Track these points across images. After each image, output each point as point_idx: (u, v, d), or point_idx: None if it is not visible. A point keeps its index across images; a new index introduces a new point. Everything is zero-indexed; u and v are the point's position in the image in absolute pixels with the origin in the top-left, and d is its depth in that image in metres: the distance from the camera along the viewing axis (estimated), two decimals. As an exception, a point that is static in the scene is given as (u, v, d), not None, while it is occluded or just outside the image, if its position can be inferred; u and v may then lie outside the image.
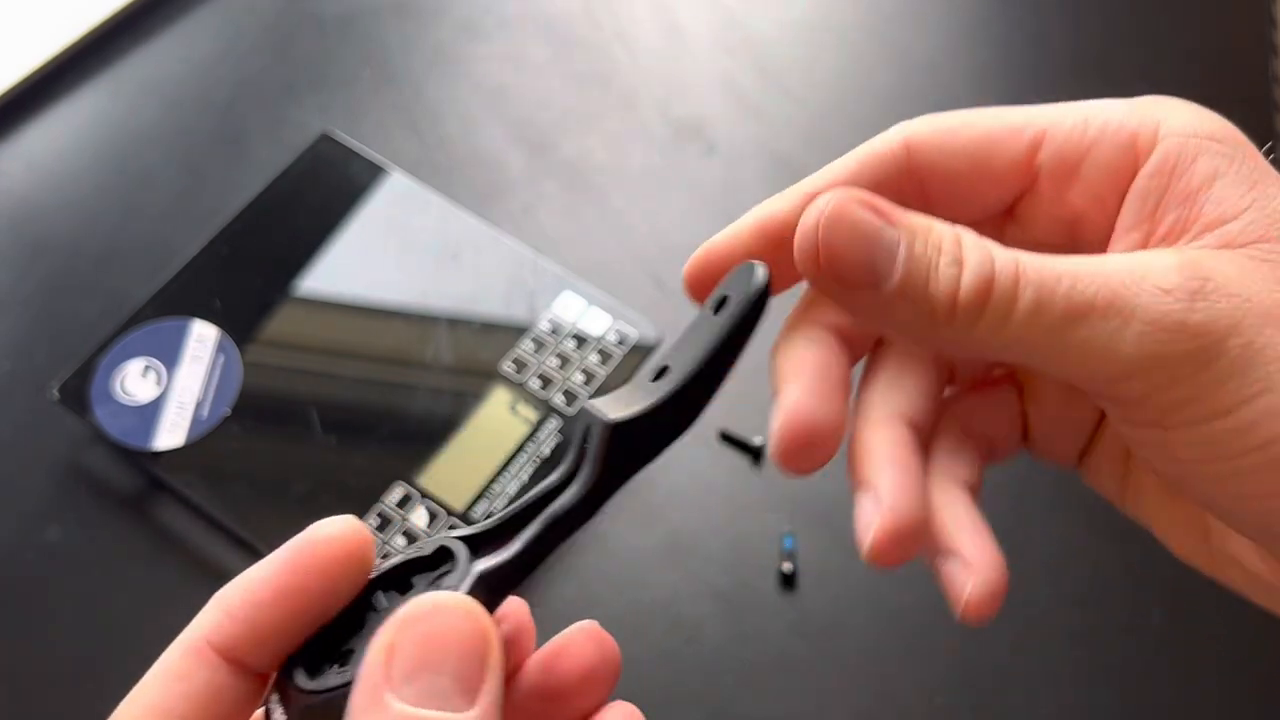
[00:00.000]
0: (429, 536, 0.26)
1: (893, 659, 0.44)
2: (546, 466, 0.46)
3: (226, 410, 0.46)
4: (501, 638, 0.22)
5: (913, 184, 0.25)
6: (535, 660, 0.26)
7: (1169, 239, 0.23)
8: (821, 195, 0.23)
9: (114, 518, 0.46)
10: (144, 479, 0.47)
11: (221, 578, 0.48)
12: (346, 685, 0.22)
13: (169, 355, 0.47)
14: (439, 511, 0.45)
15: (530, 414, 0.47)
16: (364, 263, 0.50)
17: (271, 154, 0.55)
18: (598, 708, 0.26)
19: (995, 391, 0.27)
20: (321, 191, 0.52)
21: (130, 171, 0.56)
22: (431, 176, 0.55)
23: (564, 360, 0.48)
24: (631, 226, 0.55)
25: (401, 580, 0.25)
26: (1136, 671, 0.44)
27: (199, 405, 0.46)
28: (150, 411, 0.46)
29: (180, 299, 0.49)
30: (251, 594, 0.23)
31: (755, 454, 0.49)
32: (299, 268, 0.50)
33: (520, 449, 0.46)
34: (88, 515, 0.47)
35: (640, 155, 0.57)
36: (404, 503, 0.45)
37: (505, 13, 0.62)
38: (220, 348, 0.48)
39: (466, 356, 0.48)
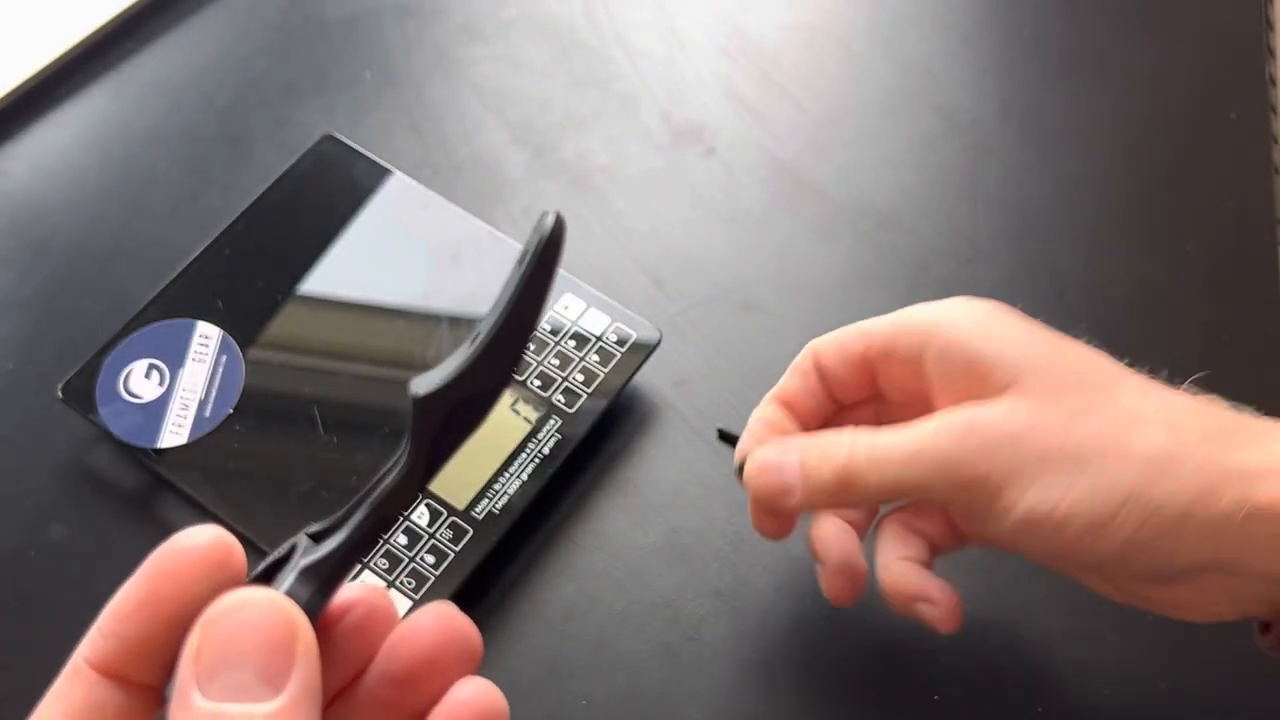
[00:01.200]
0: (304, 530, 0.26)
1: (892, 658, 0.45)
2: (547, 465, 0.46)
3: (229, 410, 0.47)
4: (318, 627, 0.23)
5: (818, 377, 0.40)
6: (385, 645, 0.27)
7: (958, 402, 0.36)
8: (749, 456, 0.39)
9: (117, 516, 0.47)
10: (147, 478, 0.47)
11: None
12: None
13: (172, 355, 0.48)
14: (440, 511, 0.45)
15: (531, 413, 0.47)
16: (366, 263, 0.51)
17: (274, 155, 0.56)
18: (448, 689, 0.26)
19: (922, 506, 0.39)
20: (324, 192, 0.52)
21: (134, 172, 0.56)
22: (433, 178, 0.55)
23: (564, 360, 0.48)
24: (631, 228, 0.55)
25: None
26: (1132, 672, 0.44)
27: (202, 405, 0.47)
28: (154, 411, 0.46)
29: (183, 299, 0.49)
30: (115, 608, 0.23)
31: (755, 454, 0.49)
32: (301, 268, 0.50)
33: (521, 448, 0.46)
34: (91, 514, 0.47)
35: (640, 157, 0.57)
36: (405, 502, 0.45)
37: (506, 15, 0.62)
38: (223, 347, 0.48)
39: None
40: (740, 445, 0.40)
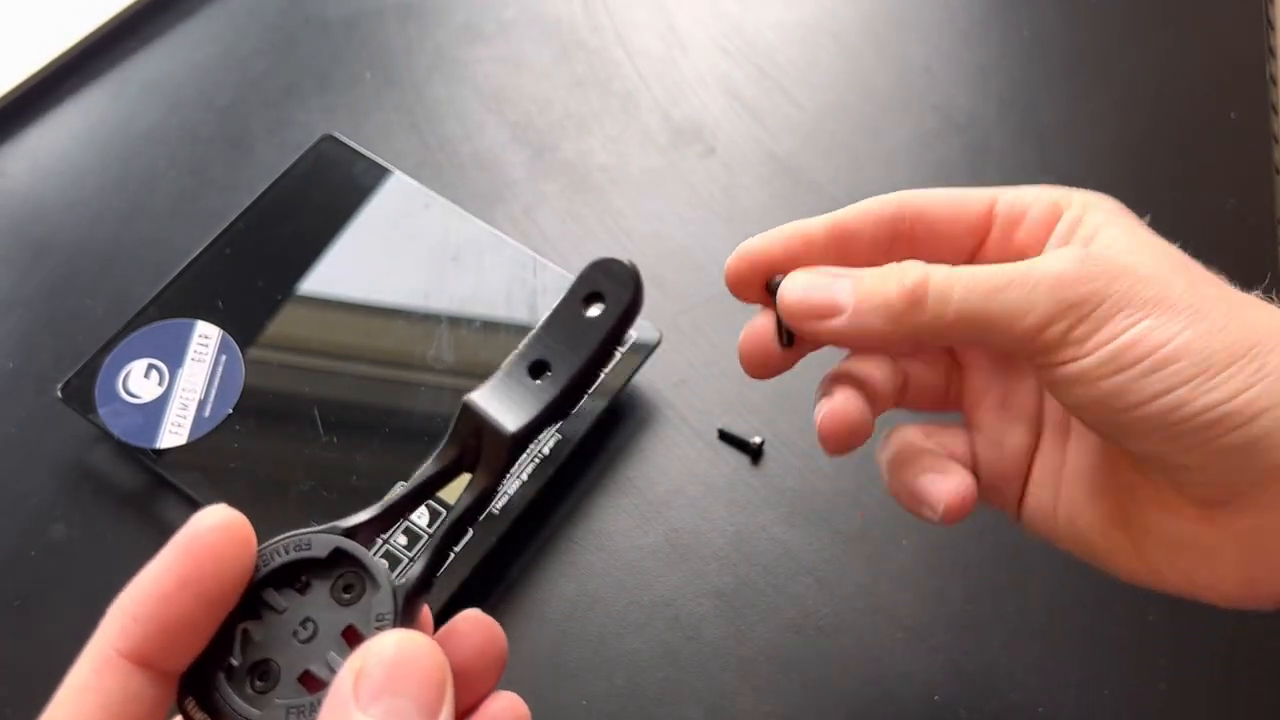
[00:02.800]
0: (313, 530, 0.26)
1: (891, 657, 0.45)
2: (547, 465, 0.46)
3: (229, 410, 0.47)
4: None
5: (903, 227, 0.33)
6: None
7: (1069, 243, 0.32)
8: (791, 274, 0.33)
9: (117, 516, 0.47)
10: (147, 477, 0.47)
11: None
12: (304, 704, 0.23)
13: (172, 355, 0.48)
14: (440, 511, 0.45)
15: (531, 413, 0.47)
16: (366, 263, 0.51)
17: (274, 155, 0.56)
18: (485, 695, 0.28)
19: (950, 430, 0.36)
20: (324, 192, 0.52)
21: (134, 172, 0.56)
22: (433, 178, 0.55)
23: (564, 360, 0.48)
24: (631, 228, 0.55)
25: (291, 578, 0.25)
26: (1134, 672, 0.44)
27: (202, 404, 0.47)
28: (153, 410, 0.46)
29: (183, 299, 0.49)
30: (153, 590, 0.23)
31: (754, 453, 0.49)
32: (301, 268, 0.50)
33: (521, 448, 0.46)
34: (91, 514, 0.47)
35: (640, 157, 0.57)
36: (405, 502, 0.45)
37: (506, 15, 0.62)
38: (223, 347, 0.48)
39: (468, 356, 0.48)
40: (759, 244, 0.34)
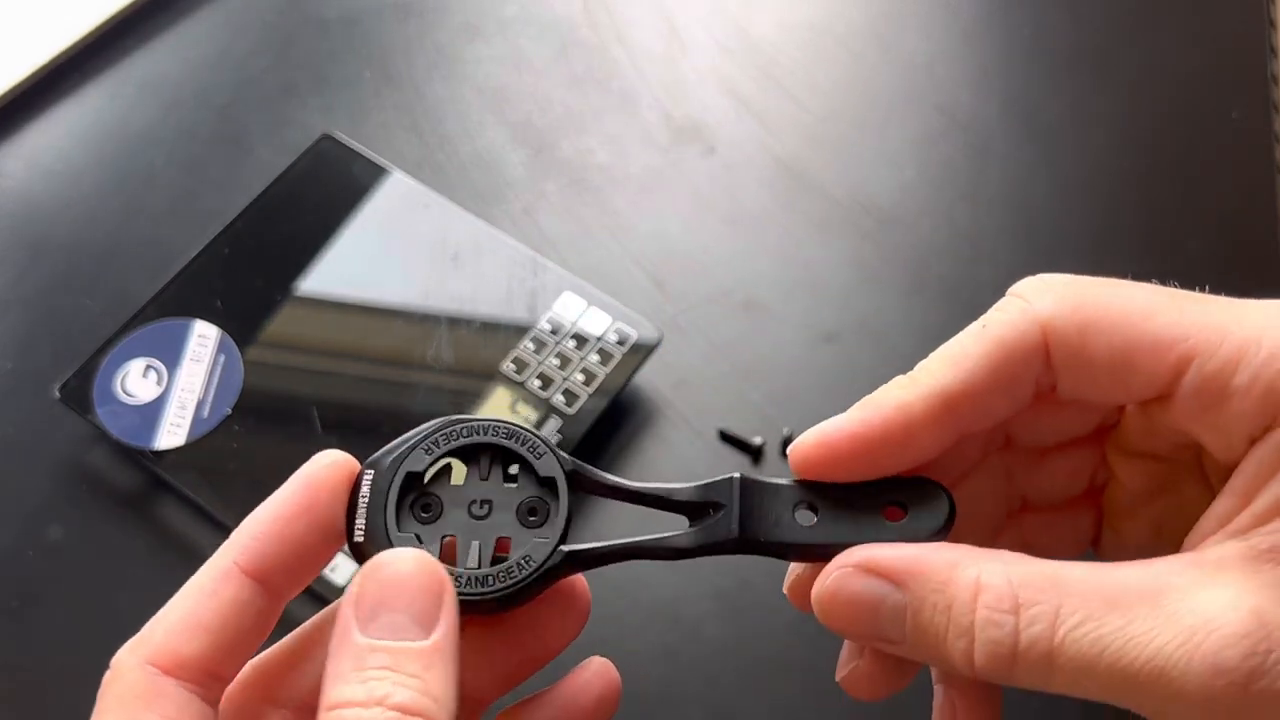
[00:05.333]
0: (557, 451, 0.27)
1: (892, 658, 0.44)
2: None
3: (228, 410, 0.47)
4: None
5: (1045, 368, 0.24)
6: (550, 697, 0.29)
7: (1263, 519, 0.22)
8: (830, 567, 0.24)
9: (115, 517, 0.47)
10: (145, 478, 0.47)
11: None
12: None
13: (170, 355, 0.48)
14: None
15: (531, 414, 0.47)
16: (365, 263, 0.50)
17: (273, 154, 0.56)
18: None
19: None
20: (323, 192, 0.52)
21: (132, 172, 0.56)
22: (432, 177, 0.55)
23: (564, 360, 0.48)
24: (631, 227, 0.55)
25: (508, 460, 0.27)
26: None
27: (200, 405, 0.47)
28: (152, 411, 0.46)
29: (181, 299, 0.49)
30: (276, 513, 0.25)
31: (754, 453, 0.49)
32: (300, 268, 0.50)
33: (520, 448, 0.46)
34: (89, 514, 0.47)
35: (640, 156, 0.57)
36: (404, 502, 0.45)
37: (505, 14, 0.62)
38: (221, 347, 0.48)
39: (467, 356, 0.48)
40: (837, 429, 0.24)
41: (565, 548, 0.26)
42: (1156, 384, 0.23)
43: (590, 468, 0.28)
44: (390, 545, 0.25)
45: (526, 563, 0.25)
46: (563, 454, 0.27)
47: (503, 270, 0.50)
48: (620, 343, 0.49)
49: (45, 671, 0.44)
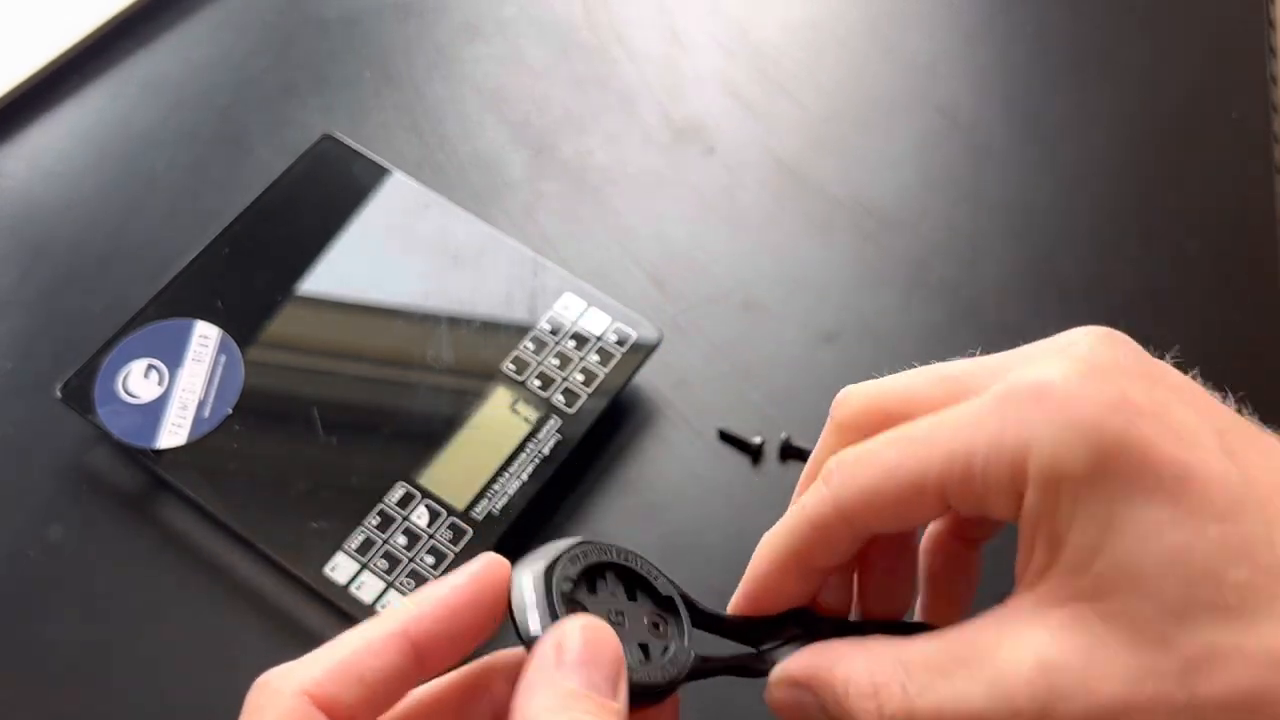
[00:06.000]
0: (656, 580, 0.31)
1: (892, 658, 0.44)
2: (546, 465, 0.46)
3: (228, 410, 0.47)
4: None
5: (849, 531, 0.29)
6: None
7: (1046, 573, 0.26)
8: (769, 683, 0.30)
9: (116, 516, 0.47)
10: (146, 478, 0.47)
11: (222, 576, 0.48)
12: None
13: (171, 355, 0.48)
14: (440, 511, 0.45)
15: (531, 414, 0.47)
16: (365, 263, 0.51)
17: (273, 155, 0.56)
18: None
19: None
20: (323, 192, 0.52)
21: (132, 172, 0.56)
22: (433, 177, 0.55)
23: (564, 360, 0.48)
24: (631, 227, 0.55)
25: (632, 583, 0.30)
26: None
27: (201, 405, 0.47)
28: (153, 411, 0.46)
29: (182, 299, 0.49)
30: (448, 596, 0.27)
31: (754, 453, 0.49)
32: (301, 268, 0.50)
33: (521, 448, 0.46)
34: (90, 514, 0.47)
35: (640, 156, 0.57)
36: (405, 502, 0.45)
37: (505, 14, 0.62)
38: (222, 348, 0.48)
39: (467, 356, 0.48)
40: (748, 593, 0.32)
41: (696, 653, 0.30)
42: (936, 512, 0.28)
43: (690, 596, 0.31)
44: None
45: (670, 664, 0.29)
46: (669, 579, 0.31)
47: (503, 270, 0.50)
48: (620, 343, 0.49)
49: (46, 671, 0.44)
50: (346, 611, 0.43)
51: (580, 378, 0.48)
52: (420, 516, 0.45)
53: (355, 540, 0.44)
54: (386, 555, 0.44)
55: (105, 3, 0.60)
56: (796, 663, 0.29)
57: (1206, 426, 0.25)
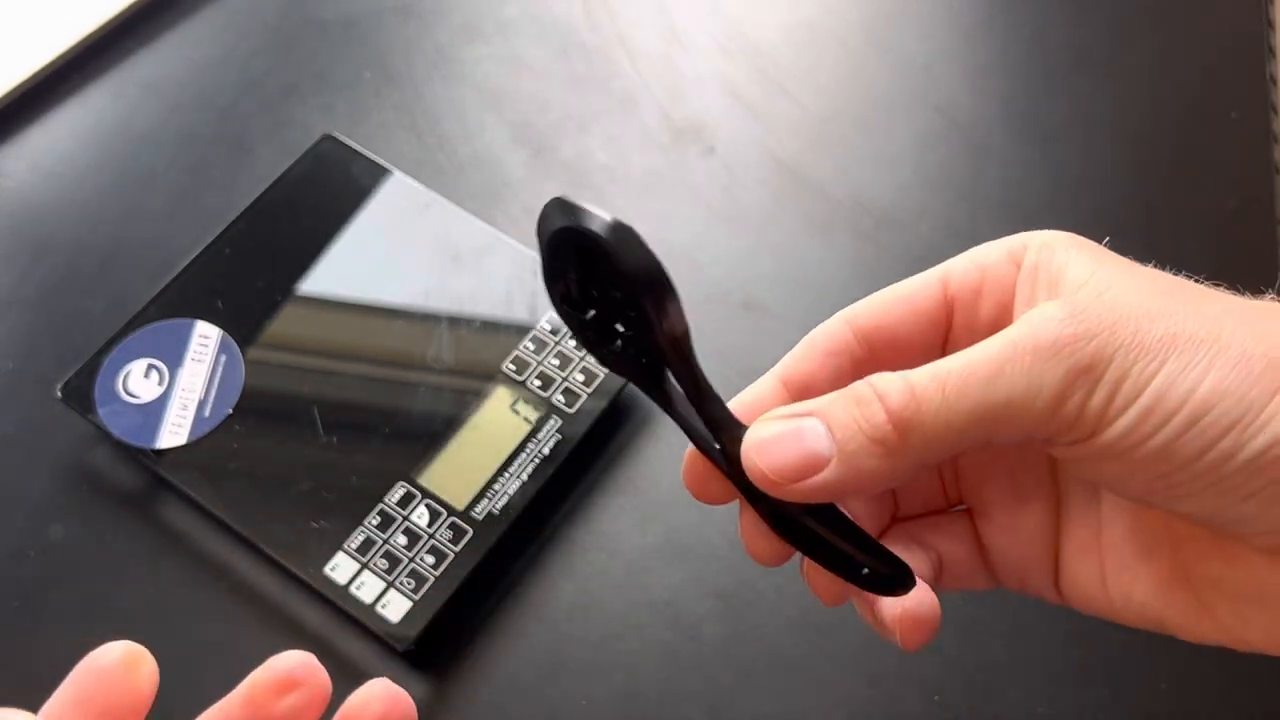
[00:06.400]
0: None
1: (891, 658, 0.44)
2: (547, 465, 0.46)
3: (229, 410, 0.47)
4: None
5: (862, 350, 0.30)
6: None
7: (1051, 295, 0.28)
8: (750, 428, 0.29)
9: (117, 516, 0.47)
10: (147, 478, 0.47)
11: (223, 575, 0.48)
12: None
13: (172, 355, 0.48)
14: (440, 511, 0.45)
15: (531, 413, 0.47)
16: (366, 263, 0.51)
17: (273, 155, 0.56)
18: None
19: (945, 516, 0.32)
20: (323, 192, 0.52)
21: (133, 172, 0.56)
22: (433, 177, 0.55)
23: (564, 360, 0.48)
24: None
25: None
26: (1134, 672, 0.44)
27: (201, 405, 0.47)
28: (153, 411, 0.46)
29: (183, 299, 0.49)
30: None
31: (755, 454, 0.49)
32: (301, 268, 0.50)
33: (521, 448, 0.46)
34: (90, 513, 0.47)
35: (640, 157, 0.57)
36: (405, 502, 0.45)
37: (505, 15, 0.62)
38: (222, 348, 0.48)
39: (467, 356, 0.48)
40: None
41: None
42: (939, 309, 0.31)
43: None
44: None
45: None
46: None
47: (503, 270, 0.50)
48: (620, 343, 0.49)
49: (47, 671, 0.44)
50: (347, 611, 0.43)
51: (580, 378, 0.48)
52: (420, 516, 0.45)
53: (355, 540, 0.44)
54: (387, 555, 0.44)
55: (106, 3, 0.60)
56: (792, 406, 0.29)
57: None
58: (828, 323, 0.31)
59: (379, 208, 0.52)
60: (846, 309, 0.31)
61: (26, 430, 0.49)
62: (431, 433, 0.47)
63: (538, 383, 0.48)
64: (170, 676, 0.44)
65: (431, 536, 0.44)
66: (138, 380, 0.47)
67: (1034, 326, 0.26)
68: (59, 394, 0.47)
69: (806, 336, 0.31)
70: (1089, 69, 0.61)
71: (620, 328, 0.30)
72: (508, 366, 0.48)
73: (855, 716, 0.44)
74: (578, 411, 0.47)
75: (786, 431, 0.27)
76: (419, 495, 0.45)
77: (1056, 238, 0.29)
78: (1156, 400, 0.25)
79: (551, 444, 0.47)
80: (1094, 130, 0.58)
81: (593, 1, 0.63)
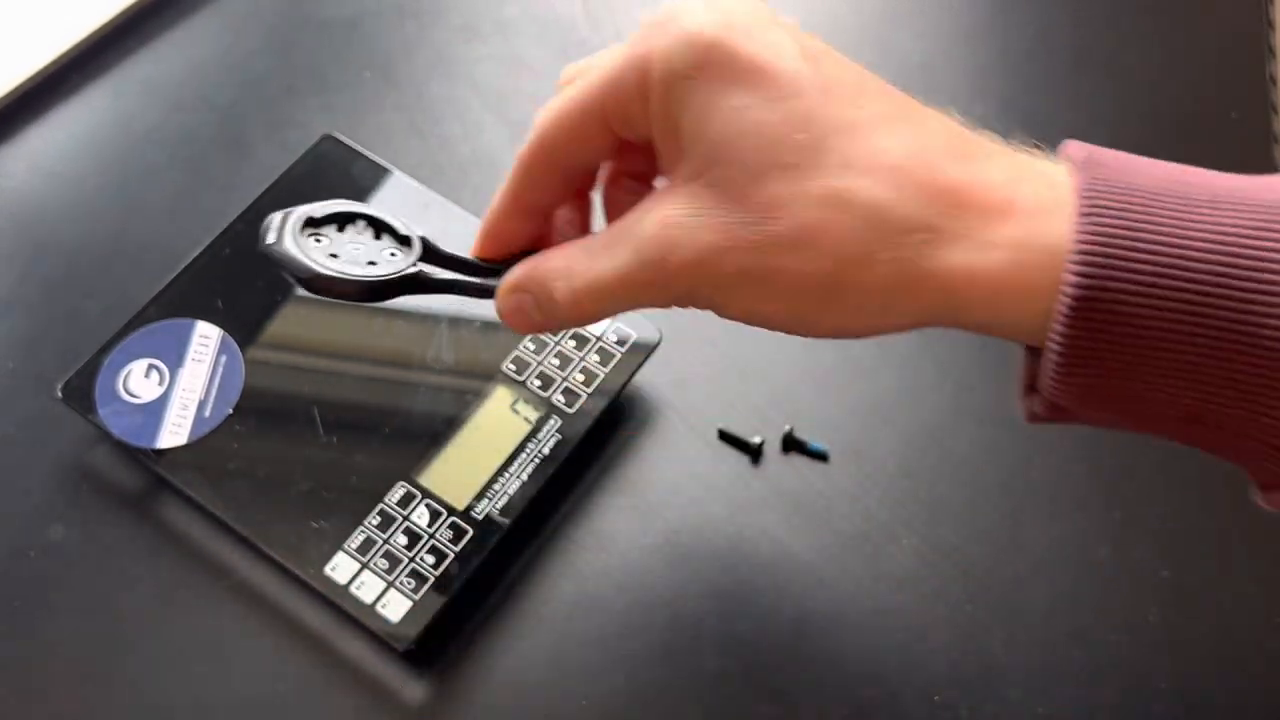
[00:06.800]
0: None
1: (890, 658, 0.45)
2: (547, 465, 0.46)
3: (229, 410, 0.47)
4: None
5: (549, 164, 0.37)
6: None
7: (675, 165, 0.33)
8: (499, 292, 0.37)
9: (117, 516, 0.47)
10: (147, 478, 0.47)
11: (223, 575, 0.48)
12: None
13: (172, 355, 0.48)
14: (440, 511, 0.45)
15: (531, 413, 0.47)
16: (366, 263, 0.51)
17: (274, 155, 0.56)
18: None
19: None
20: (324, 192, 0.52)
21: (133, 172, 0.56)
22: (433, 177, 0.55)
23: (564, 360, 0.48)
24: (632, 227, 0.55)
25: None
26: (1133, 671, 0.44)
27: (202, 405, 0.47)
28: (153, 411, 0.46)
29: (183, 299, 0.49)
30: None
31: (754, 453, 0.49)
32: (301, 268, 0.50)
33: (521, 448, 0.46)
34: (91, 513, 0.47)
35: (641, 156, 0.57)
36: (405, 502, 0.45)
37: (505, 15, 0.62)
38: (223, 347, 0.48)
39: (467, 356, 0.48)
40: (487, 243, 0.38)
41: (417, 268, 0.38)
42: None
43: (433, 241, 0.39)
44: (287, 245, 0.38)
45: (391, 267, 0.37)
46: (416, 230, 0.39)
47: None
48: (620, 343, 0.49)
49: (47, 671, 0.44)
50: (347, 611, 0.43)
51: (580, 377, 0.48)
52: (420, 516, 0.45)
53: (356, 540, 0.44)
54: (387, 555, 0.44)
55: (106, 3, 0.60)
56: (516, 270, 0.36)
57: (793, 44, 0.32)
58: (522, 148, 0.37)
59: (379, 208, 0.52)
60: (535, 127, 0.36)
61: (27, 430, 0.49)
62: (431, 433, 0.47)
63: (538, 383, 0.48)
64: (170, 676, 0.44)
65: (432, 536, 0.44)
66: (138, 380, 0.47)
67: (637, 262, 0.33)
68: (59, 394, 0.47)
69: (519, 159, 0.37)
70: (1088, 70, 0.61)
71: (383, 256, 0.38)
72: (508, 366, 0.48)
73: (855, 716, 0.44)
74: (578, 411, 0.47)
75: (510, 307, 0.36)
76: (419, 495, 0.45)
77: (674, 66, 0.32)
78: (739, 318, 0.34)
79: (551, 444, 0.47)
80: (1094, 131, 0.58)
81: (593, 1, 0.63)
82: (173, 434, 0.46)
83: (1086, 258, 0.28)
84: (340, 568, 0.44)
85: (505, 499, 0.45)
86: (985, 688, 0.44)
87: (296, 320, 0.49)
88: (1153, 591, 0.46)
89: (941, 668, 0.44)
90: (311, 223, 0.39)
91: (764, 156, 0.30)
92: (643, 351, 0.49)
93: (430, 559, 0.44)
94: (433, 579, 0.44)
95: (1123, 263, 0.28)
